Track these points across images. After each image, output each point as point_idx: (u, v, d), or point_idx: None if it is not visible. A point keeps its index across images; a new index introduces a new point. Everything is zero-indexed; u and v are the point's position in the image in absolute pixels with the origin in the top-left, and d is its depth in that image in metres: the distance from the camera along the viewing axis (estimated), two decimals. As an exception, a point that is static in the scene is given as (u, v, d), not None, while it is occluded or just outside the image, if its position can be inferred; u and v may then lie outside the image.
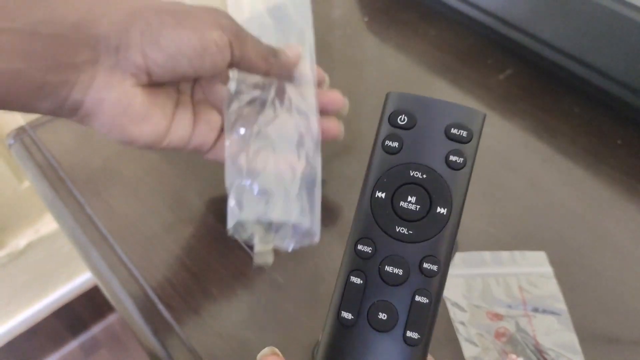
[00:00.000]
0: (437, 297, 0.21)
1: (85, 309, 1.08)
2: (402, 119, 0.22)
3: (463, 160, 0.21)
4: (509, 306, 0.36)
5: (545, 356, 0.34)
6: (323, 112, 0.39)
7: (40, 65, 0.27)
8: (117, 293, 0.38)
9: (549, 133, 0.47)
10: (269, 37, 0.39)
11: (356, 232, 0.21)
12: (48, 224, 0.91)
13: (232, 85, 0.38)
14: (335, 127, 0.39)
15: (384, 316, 0.20)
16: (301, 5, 0.43)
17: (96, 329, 1.10)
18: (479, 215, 0.41)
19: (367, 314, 0.21)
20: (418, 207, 0.21)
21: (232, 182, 0.37)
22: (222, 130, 0.37)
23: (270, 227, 0.38)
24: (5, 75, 0.26)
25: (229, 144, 0.37)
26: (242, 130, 0.37)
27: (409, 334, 0.20)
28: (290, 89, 0.39)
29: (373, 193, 0.21)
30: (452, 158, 0.21)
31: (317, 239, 0.37)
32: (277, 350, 0.22)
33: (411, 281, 0.21)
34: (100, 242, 0.39)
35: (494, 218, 0.41)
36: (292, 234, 0.37)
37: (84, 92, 0.28)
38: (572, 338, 0.35)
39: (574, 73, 0.50)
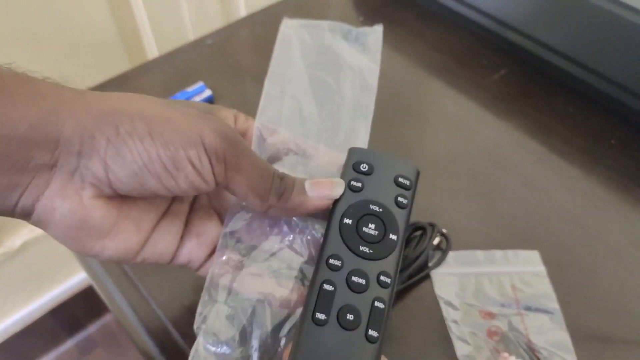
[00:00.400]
0: (389, 304, 0.26)
1: (81, 309, 1.07)
2: (363, 167, 0.29)
3: (406, 202, 0.28)
4: (502, 305, 0.36)
5: (538, 355, 0.34)
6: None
7: None
8: (110, 292, 0.38)
9: (543, 133, 0.47)
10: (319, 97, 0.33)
11: (328, 249, 0.26)
12: (44, 223, 0.91)
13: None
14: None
15: (351, 317, 0.25)
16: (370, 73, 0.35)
17: (92, 329, 1.09)
18: (472, 214, 0.41)
19: (337, 315, 0.25)
20: (377, 232, 0.27)
21: (200, 324, 0.29)
22: (213, 249, 0.31)
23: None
24: None
25: (216, 263, 0.30)
26: (236, 254, 0.30)
27: (370, 332, 0.25)
28: None
29: (342, 220, 0.27)
30: (400, 199, 0.28)
31: None
32: None
33: (371, 290, 0.26)
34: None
35: (487, 217, 0.41)
36: None
37: (35, 199, 0.25)
38: (564, 337, 0.35)
39: (568, 73, 0.51)
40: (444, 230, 0.39)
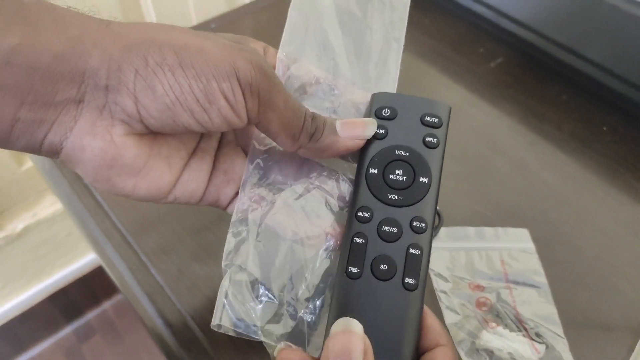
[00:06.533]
0: (427, 250, 0.25)
1: (81, 295, 1.08)
2: (385, 112, 0.27)
3: (437, 141, 0.26)
4: (491, 278, 0.37)
5: (525, 325, 0.35)
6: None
7: (11, 99, 0.22)
8: (111, 259, 0.39)
9: (536, 118, 0.48)
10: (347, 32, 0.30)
11: (356, 203, 0.26)
12: (46, 208, 0.92)
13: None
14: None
15: (385, 267, 0.24)
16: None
17: (91, 315, 1.10)
18: (465, 193, 0.42)
19: (371, 266, 0.24)
20: (405, 177, 0.26)
21: (231, 261, 0.27)
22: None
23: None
24: None
25: (241, 199, 0.28)
26: (262, 190, 0.29)
27: (407, 280, 0.24)
28: None
29: (367, 170, 0.26)
30: (428, 139, 0.26)
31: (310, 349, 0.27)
32: (291, 344, 0.24)
33: (404, 238, 0.25)
34: (96, 210, 0.40)
35: (480, 196, 0.42)
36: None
37: (62, 136, 0.24)
38: (551, 310, 0.36)
39: (563, 62, 0.52)
40: (437, 207, 0.40)
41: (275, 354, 0.24)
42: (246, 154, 0.30)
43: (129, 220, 0.40)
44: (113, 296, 1.11)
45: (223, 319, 0.25)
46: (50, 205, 0.91)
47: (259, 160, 0.29)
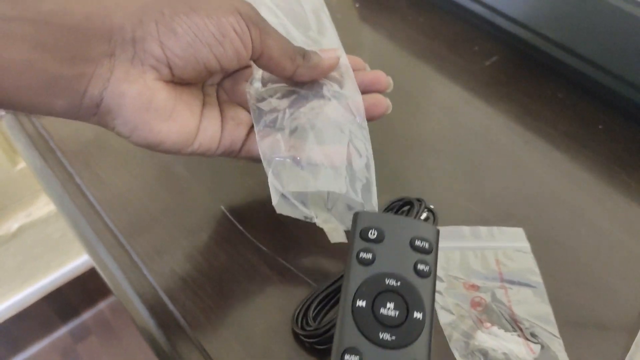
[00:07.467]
0: None
1: (76, 295, 1.08)
2: (372, 234, 0.25)
3: (429, 269, 0.24)
4: (486, 278, 0.37)
5: (520, 325, 0.35)
6: (366, 93, 0.36)
7: (53, 56, 0.25)
8: (103, 259, 0.38)
9: (531, 117, 0.48)
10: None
11: (342, 343, 0.22)
12: (40, 209, 0.92)
13: (256, 83, 0.35)
14: (382, 101, 0.37)
15: None
16: None
17: (86, 315, 1.10)
18: (459, 192, 0.42)
19: None
20: (397, 312, 0.23)
21: (270, 159, 0.32)
22: (252, 127, 0.35)
23: (324, 205, 0.33)
24: (17, 65, 0.24)
25: (260, 131, 0.33)
26: (273, 120, 0.34)
27: None
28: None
29: (354, 302, 0.23)
30: (420, 267, 0.24)
31: None
32: None
33: None
34: (88, 210, 0.40)
35: (474, 195, 0.42)
36: (346, 213, 0.32)
37: (102, 86, 0.27)
38: (547, 310, 0.36)
39: (559, 60, 0.52)
40: (432, 206, 0.40)
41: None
42: (243, 107, 0.35)
43: (121, 221, 0.40)
44: (108, 296, 1.11)
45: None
46: (45, 205, 0.91)
47: (257, 105, 0.34)
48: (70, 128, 0.45)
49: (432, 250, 0.25)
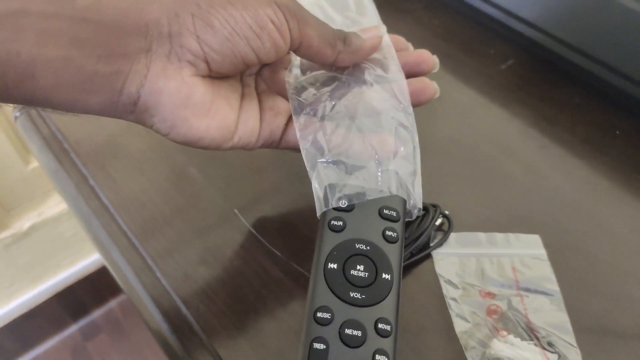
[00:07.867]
0: (393, 356, 0.23)
1: (87, 294, 1.09)
2: (342, 203, 0.26)
3: (396, 235, 0.25)
4: (502, 285, 0.37)
5: (537, 334, 0.34)
6: (411, 75, 0.35)
7: (90, 53, 0.25)
8: (117, 262, 0.38)
9: (547, 122, 0.47)
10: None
11: (314, 302, 0.23)
12: (52, 207, 0.92)
13: (295, 70, 0.34)
14: (429, 85, 0.35)
15: None
16: None
17: (96, 314, 1.11)
18: (475, 197, 0.42)
19: None
20: (367, 274, 0.24)
21: (314, 163, 0.30)
22: (290, 116, 0.33)
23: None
24: (54, 62, 0.24)
25: (300, 124, 0.32)
26: (313, 110, 0.32)
27: None
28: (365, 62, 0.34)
29: (326, 265, 0.24)
30: (388, 233, 0.25)
31: (416, 212, 0.31)
32: None
33: (370, 342, 0.23)
34: (101, 212, 0.40)
35: (490, 201, 0.41)
36: None
37: (140, 83, 0.26)
38: (563, 318, 0.35)
39: (575, 64, 0.51)
40: (447, 212, 0.39)
41: None
42: (281, 97, 0.34)
43: (134, 223, 0.40)
44: (119, 295, 1.12)
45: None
46: (57, 204, 0.92)
47: (296, 96, 0.32)
48: (84, 130, 0.45)
49: (399, 219, 0.26)
